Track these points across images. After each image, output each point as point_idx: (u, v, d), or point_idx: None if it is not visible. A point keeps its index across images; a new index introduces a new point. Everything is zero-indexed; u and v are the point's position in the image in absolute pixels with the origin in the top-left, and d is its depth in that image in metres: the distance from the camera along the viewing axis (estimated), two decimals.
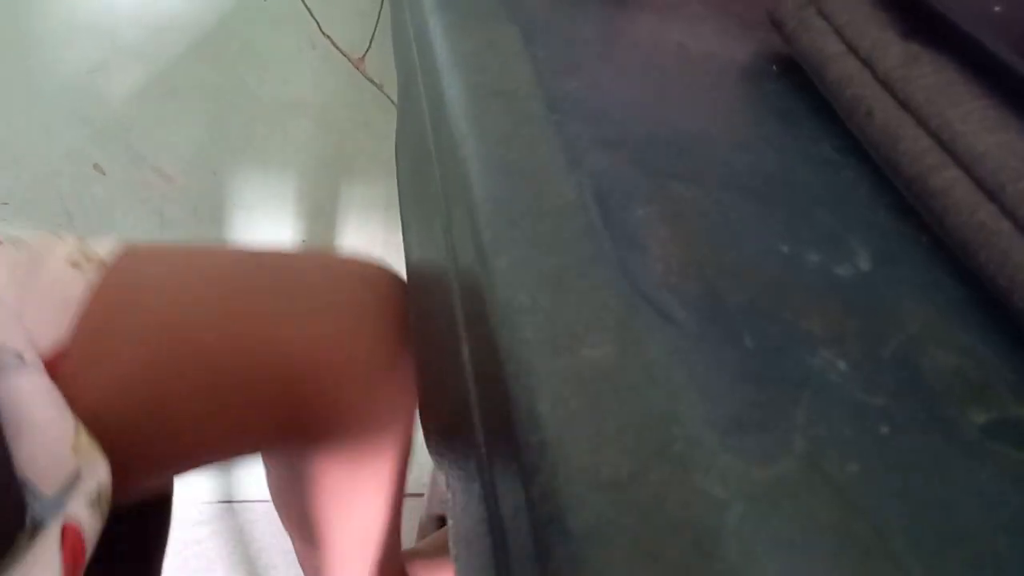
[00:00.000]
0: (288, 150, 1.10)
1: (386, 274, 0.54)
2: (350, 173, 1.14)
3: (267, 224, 1.17)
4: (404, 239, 0.48)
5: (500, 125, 0.29)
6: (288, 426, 0.50)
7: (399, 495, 0.61)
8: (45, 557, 0.33)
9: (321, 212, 1.18)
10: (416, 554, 0.78)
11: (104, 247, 0.46)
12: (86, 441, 0.38)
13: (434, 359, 0.36)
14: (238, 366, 0.46)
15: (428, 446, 0.40)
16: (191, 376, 0.44)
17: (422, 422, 0.41)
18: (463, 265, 0.27)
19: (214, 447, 0.48)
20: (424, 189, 0.37)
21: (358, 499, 0.58)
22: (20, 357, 0.37)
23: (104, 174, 1.07)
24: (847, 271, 0.25)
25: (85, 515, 0.36)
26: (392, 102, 1.04)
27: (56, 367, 0.40)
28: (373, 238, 1.22)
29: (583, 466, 0.18)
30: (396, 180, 0.51)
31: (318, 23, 0.97)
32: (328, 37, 0.99)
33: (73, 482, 0.36)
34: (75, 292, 0.42)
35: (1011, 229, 0.24)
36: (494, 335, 0.22)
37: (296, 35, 0.98)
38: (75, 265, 0.43)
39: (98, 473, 0.38)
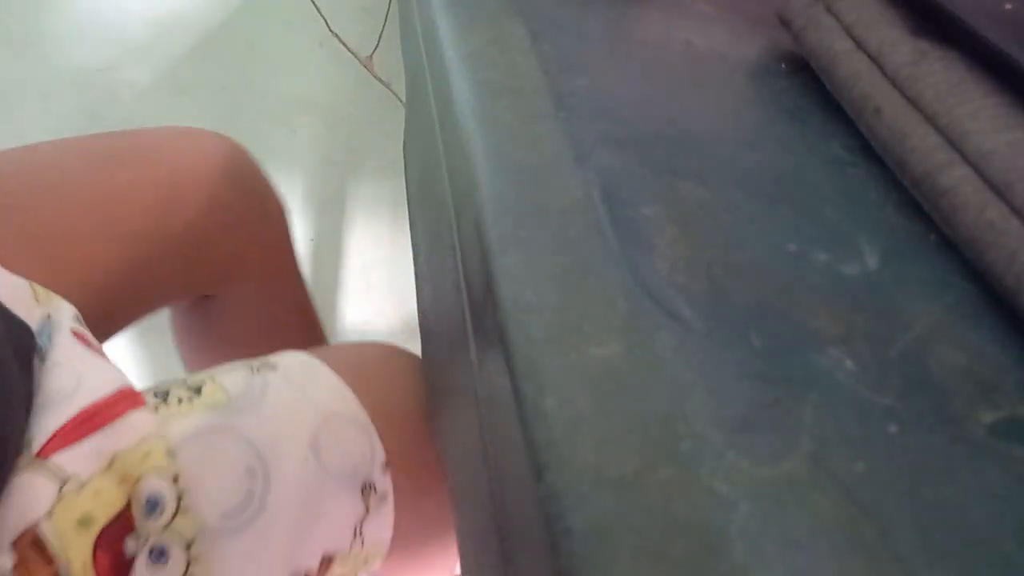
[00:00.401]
0: (296, 148, 1.10)
1: (210, 136, 0.60)
2: (358, 171, 1.14)
3: None
4: (412, 237, 0.48)
5: (507, 122, 0.29)
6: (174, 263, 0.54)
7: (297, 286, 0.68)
8: (73, 351, 0.37)
9: (328, 210, 1.18)
10: None
11: None
12: (43, 291, 0.41)
13: (441, 356, 0.36)
14: (114, 221, 0.50)
15: (436, 442, 0.40)
16: (83, 233, 0.48)
17: (429, 420, 0.41)
18: (470, 263, 0.27)
19: (123, 299, 0.52)
20: (432, 187, 0.37)
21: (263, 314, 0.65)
22: None
23: None
24: (855, 270, 0.25)
25: (83, 329, 0.39)
26: (400, 100, 1.04)
27: None
28: (380, 236, 1.22)
29: (589, 464, 0.18)
30: (404, 178, 0.51)
31: (326, 21, 0.97)
32: (336, 35, 0.99)
33: (47, 321, 0.39)
34: None
35: (1019, 228, 0.24)
36: (501, 333, 0.22)
37: (304, 33, 0.98)
38: None
39: (69, 307, 0.41)
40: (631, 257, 0.24)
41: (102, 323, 0.50)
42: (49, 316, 0.39)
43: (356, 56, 1.01)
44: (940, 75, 0.28)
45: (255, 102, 1.04)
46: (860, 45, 0.32)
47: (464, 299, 0.28)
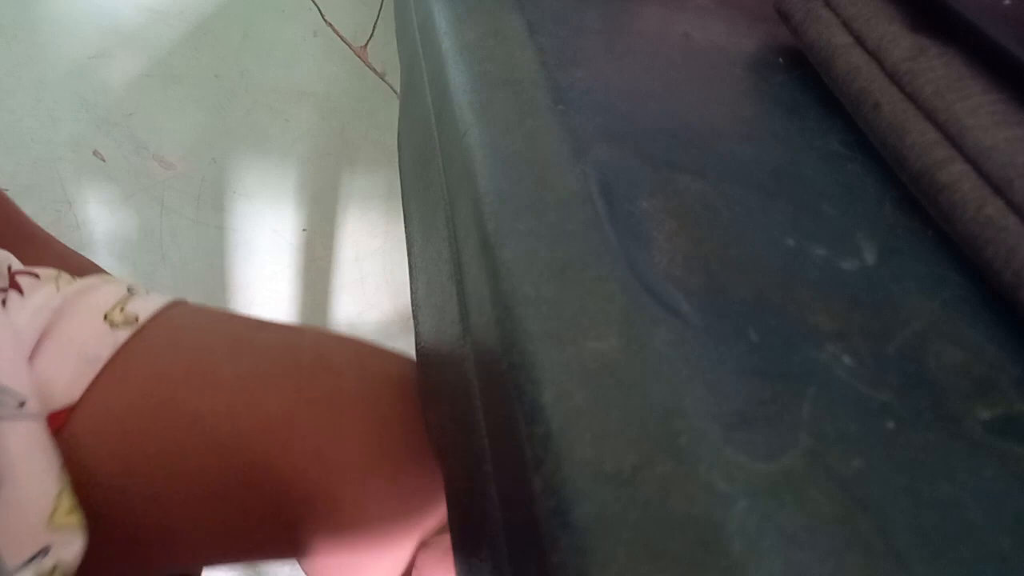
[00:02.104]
0: (289, 138, 1.09)
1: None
2: (352, 162, 1.14)
3: (268, 213, 1.17)
4: (406, 229, 0.47)
5: (505, 115, 0.29)
6: (284, 540, 0.46)
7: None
8: None
9: (322, 201, 1.17)
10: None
11: (148, 307, 0.44)
12: (67, 506, 0.36)
13: (435, 350, 0.36)
14: (243, 470, 0.43)
15: (429, 439, 0.40)
16: (191, 463, 0.42)
17: (423, 414, 0.41)
18: (466, 256, 0.26)
19: (204, 542, 0.45)
20: (427, 179, 0.37)
21: None
22: (22, 404, 0.35)
23: (104, 160, 1.07)
24: (853, 265, 0.25)
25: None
26: (394, 91, 1.04)
27: (59, 423, 0.39)
28: (374, 228, 1.22)
29: (587, 459, 0.18)
30: (398, 169, 0.51)
31: (320, 10, 0.97)
32: (330, 24, 0.98)
33: (37, 558, 0.33)
34: (102, 353, 0.41)
35: (1018, 225, 0.23)
36: (498, 326, 0.22)
37: (298, 22, 0.98)
38: (112, 324, 0.42)
39: (65, 550, 0.35)
40: (629, 251, 0.24)
41: (155, 551, 0.43)
42: (48, 550, 0.34)
43: (350, 46, 1.00)
44: (939, 71, 0.28)
45: (249, 91, 1.04)
46: (859, 40, 0.32)
47: (459, 293, 0.28)
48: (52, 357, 0.40)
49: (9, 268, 0.43)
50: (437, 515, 0.50)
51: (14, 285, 0.41)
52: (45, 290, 0.42)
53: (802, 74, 0.34)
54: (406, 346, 0.54)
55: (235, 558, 0.47)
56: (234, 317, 0.48)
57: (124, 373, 0.41)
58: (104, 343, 0.41)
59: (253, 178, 1.13)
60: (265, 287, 1.25)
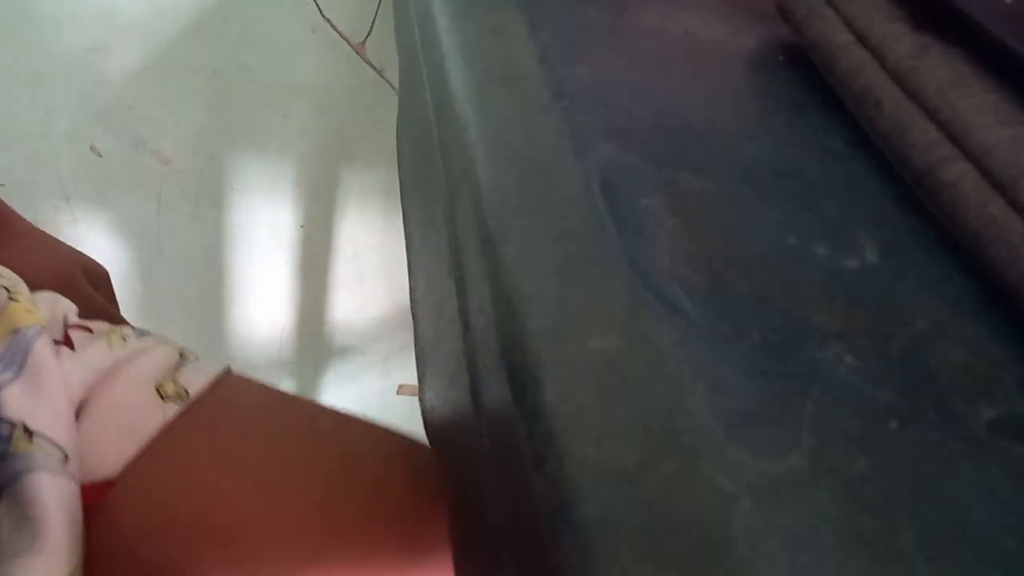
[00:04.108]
0: (287, 134, 1.09)
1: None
2: (350, 158, 1.14)
3: (266, 208, 1.17)
4: (405, 226, 0.47)
5: (505, 112, 0.29)
6: None
7: None
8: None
9: (320, 197, 1.17)
10: None
11: (198, 380, 0.43)
12: None
13: (436, 346, 0.36)
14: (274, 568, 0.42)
15: (428, 437, 0.40)
16: (227, 555, 0.41)
17: (422, 409, 0.41)
18: (466, 254, 0.26)
19: None
20: (426, 176, 0.37)
21: None
22: (66, 459, 0.35)
23: (102, 155, 1.07)
24: (855, 264, 0.25)
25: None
26: (393, 87, 1.04)
27: (95, 496, 0.38)
28: (372, 224, 1.21)
29: (589, 458, 0.18)
30: (397, 166, 0.51)
31: (319, 6, 0.96)
32: (329, 21, 0.98)
33: None
34: (149, 426, 0.40)
35: (1021, 224, 0.23)
36: (499, 324, 0.22)
37: (297, 18, 0.98)
38: (163, 396, 0.41)
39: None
40: (631, 249, 0.23)
41: None
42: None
43: (348, 42, 1.00)
44: (942, 69, 0.28)
45: (247, 87, 1.04)
46: (861, 38, 0.32)
47: (459, 290, 0.28)
48: (96, 423, 0.39)
49: (65, 319, 0.42)
50: None
51: (66, 340, 0.40)
52: (97, 347, 0.41)
53: (803, 72, 0.34)
54: (404, 343, 0.54)
55: None
56: (275, 400, 0.47)
57: (169, 456, 0.40)
58: (152, 416, 0.40)
59: (251, 174, 1.13)
60: (262, 283, 1.25)
